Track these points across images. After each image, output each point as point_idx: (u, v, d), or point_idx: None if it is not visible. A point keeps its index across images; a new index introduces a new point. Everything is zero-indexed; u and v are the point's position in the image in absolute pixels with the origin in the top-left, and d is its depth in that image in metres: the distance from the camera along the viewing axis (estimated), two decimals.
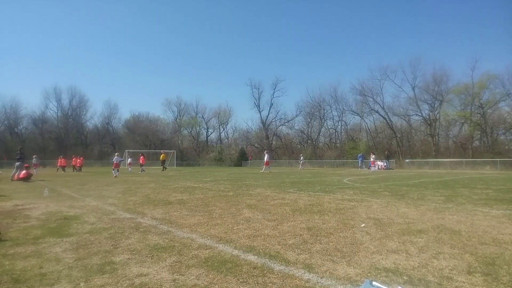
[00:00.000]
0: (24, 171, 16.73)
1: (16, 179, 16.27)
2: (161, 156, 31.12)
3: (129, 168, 28.26)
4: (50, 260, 3.39)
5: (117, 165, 20.67)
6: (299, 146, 59.79)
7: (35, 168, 26.54)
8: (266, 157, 27.52)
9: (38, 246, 3.91)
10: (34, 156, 28.29)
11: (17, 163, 17.09)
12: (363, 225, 4.98)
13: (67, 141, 59.31)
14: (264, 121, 64.85)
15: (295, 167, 43.43)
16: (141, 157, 27.96)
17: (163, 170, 28.69)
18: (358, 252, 3.58)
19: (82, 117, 64.96)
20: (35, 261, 3.37)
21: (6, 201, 8.35)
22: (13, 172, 17.13)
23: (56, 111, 62.76)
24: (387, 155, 35.86)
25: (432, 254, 3.47)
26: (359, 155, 33.20)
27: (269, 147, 60.73)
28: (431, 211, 6.23)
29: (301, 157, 36.79)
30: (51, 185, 13.21)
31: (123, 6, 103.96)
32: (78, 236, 4.39)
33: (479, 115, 40.67)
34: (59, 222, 5.42)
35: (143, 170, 26.36)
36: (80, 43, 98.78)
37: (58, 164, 31.20)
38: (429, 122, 44.09)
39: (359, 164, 32.25)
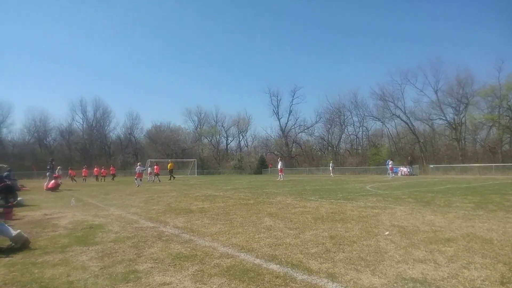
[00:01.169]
0: (52, 181, 17.31)
1: (46, 189, 16.88)
2: (169, 165, 30.47)
3: (149, 178, 28.50)
4: (77, 268, 3.48)
5: (140, 175, 21.05)
6: (320, 153, 59.15)
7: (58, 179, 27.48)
8: (280, 165, 27.46)
9: (65, 255, 4.03)
10: (58, 167, 29.22)
11: (48, 173, 17.83)
12: (387, 233, 4.85)
13: (91, 152, 61.10)
14: (283, 128, 64.66)
15: (316, 174, 43.01)
16: (156, 166, 27.85)
17: (170, 179, 28.25)
18: (383, 261, 3.48)
19: (106, 128, 66.91)
20: (63, 269, 3.46)
21: (35, 210, 8.67)
22: (45, 183, 17.83)
23: (82, 123, 65.03)
24: (410, 161, 34.88)
25: (462, 264, 3.34)
26: (388, 161, 32.04)
27: (289, 154, 60.44)
28: (460, 219, 6.00)
29: (331, 164, 35.65)
30: (77, 195, 13.60)
31: (143, 19, 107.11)
32: (103, 245, 4.49)
33: (508, 117, 39.04)
34: (85, 231, 5.57)
35: (159, 180, 26.12)
36: (103, 56, 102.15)
37: (83, 174, 32.37)
38: (454, 126, 42.67)
39: (388, 171, 30.93)
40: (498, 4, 69.61)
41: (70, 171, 31.73)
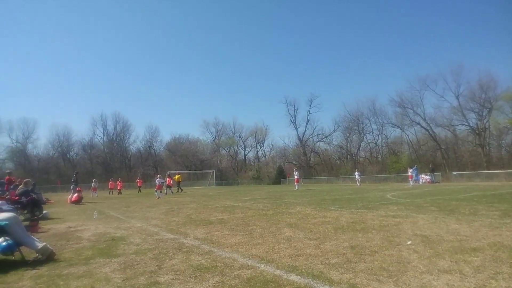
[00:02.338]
0: (75, 195, 17.77)
1: (70, 202, 17.30)
2: (176, 176, 29.19)
3: (167, 190, 28.40)
4: (101, 280, 3.56)
5: (160, 187, 21.33)
6: (338, 162, 58.47)
7: (94, 191, 27.70)
8: (296, 174, 27.36)
9: (89, 266, 4.13)
10: (93, 180, 29.74)
11: (72, 186, 18.30)
12: (409, 242, 4.74)
13: (112, 165, 62.50)
14: (301, 137, 64.43)
15: (335, 183, 42.44)
16: (168, 178, 27.08)
17: (178, 191, 27.51)
18: (406, 272, 3.41)
19: (126, 141, 68.46)
20: (87, 281, 3.55)
21: (60, 223, 8.92)
22: (69, 196, 18.30)
23: (103, 137, 66.80)
24: (432, 168, 34.01)
25: (489, 275, 3.23)
26: (414, 168, 31.20)
27: (307, 163, 59.97)
28: (486, 227, 5.80)
29: (357, 173, 34.43)
30: (99, 208, 13.89)
31: (162, 35, 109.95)
32: (125, 257, 4.57)
33: None
34: (107, 243, 5.68)
35: (171, 192, 25.79)
36: (123, 72, 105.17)
37: (109, 187, 32.23)
38: (477, 131, 41.44)
39: (415, 178, 30.03)
40: None
41: (110, 183, 31.93)
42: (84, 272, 3.88)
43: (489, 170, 34.09)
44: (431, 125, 46.14)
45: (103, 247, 5.30)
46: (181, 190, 28.64)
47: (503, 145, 42.58)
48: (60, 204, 17.43)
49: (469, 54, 73.27)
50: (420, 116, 46.95)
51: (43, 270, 4.08)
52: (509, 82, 49.57)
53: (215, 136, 72.52)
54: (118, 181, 32.63)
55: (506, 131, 41.01)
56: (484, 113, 41.48)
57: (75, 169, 32.61)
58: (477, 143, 41.71)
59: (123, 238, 6.13)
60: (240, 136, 71.42)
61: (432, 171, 33.17)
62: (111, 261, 4.38)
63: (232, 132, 71.65)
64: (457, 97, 44.06)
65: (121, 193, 30.55)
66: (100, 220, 9.22)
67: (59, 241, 5.99)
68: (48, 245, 4.65)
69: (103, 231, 7.08)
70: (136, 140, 69.60)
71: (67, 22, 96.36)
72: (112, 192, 31.36)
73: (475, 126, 42.06)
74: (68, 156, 64.23)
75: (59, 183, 31.14)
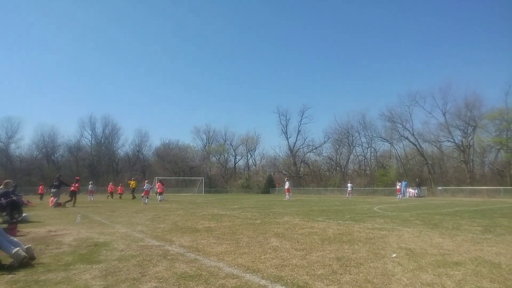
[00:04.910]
0: (51, 199, 17.24)
1: (51, 206, 16.82)
2: (131, 182, 28.08)
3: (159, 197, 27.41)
4: (80, 287, 3.48)
5: (147, 193, 21.02)
6: (328, 173, 58.78)
7: (90, 195, 26.92)
8: (287, 184, 27.32)
9: (68, 273, 4.02)
10: (90, 182, 28.31)
11: (53, 190, 17.75)
12: (394, 255, 4.78)
13: (99, 168, 61.43)
14: (292, 148, 64.63)
15: (324, 194, 42.58)
16: (158, 183, 25.16)
17: (132, 198, 26.41)
18: (389, 284, 3.43)
19: (114, 144, 67.42)
20: (65, 287, 3.46)
21: (40, 227, 8.71)
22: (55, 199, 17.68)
23: (90, 139, 65.58)
24: (418, 183, 34.51)
25: None
26: (404, 182, 31.39)
27: (297, 174, 60.09)
28: (468, 242, 5.90)
29: (349, 185, 33.75)
30: (83, 212, 13.63)
31: (155, 37, 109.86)
32: (107, 263, 4.48)
33: None
34: (89, 248, 5.57)
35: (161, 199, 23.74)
36: (114, 74, 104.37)
37: (109, 191, 30.67)
38: (462, 148, 42.32)
39: (402, 191, 30.03)
40: (507, 28, 70.27)
41: (110, 186, 30.46)
42: (62, 279, 3.77)
43: (472, 186, 34.76)
44: (419, 140, 47.00)
45: (85, 253, 5.19)
46: (135, 197, 26.81)
47: (486, 162, 43.58)
48: (41, 207, 17.03)
49: (458, 73, 75.37)
50: (409, 131, 47.79)
51: (20, 275, 3.96)
52: (493, 102, 51.21)
53: (206, 143, 72.22)
54: (119, 186, 31.37)
55: (489, 149, 42.04)
56: (469, 131, 42.48)
57: (59, 172, 31.48)
58: (461, 159, 42.56)
59: (106, 243, 6.01)
60: (231, 144, 71.24)
61: (419, 185, 33.64)
62: (92, 267, 4.28)
63: (223, 139, 71.40)
64: (444, 114, 45.11)
65: (121, 198, 29.37)
66: (83, 225, 9.03)
67: (38, 246, 5.82)
68: (21, 251, 4.45)
69: (86, 236, 6.94)
70: (125, 144, 68.73)
71: (58, 21, 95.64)
72: (112, 195, 30.00)
73: (460, 143, 42.98)
74: (53, 158, 62.82)
75: (41, 185, 29.87)
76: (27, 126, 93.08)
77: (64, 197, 18.99)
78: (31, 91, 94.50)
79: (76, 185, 19.73)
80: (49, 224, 9.44)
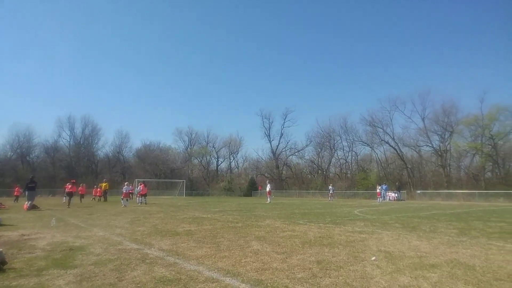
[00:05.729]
0: (29, 203, 16.54)
1: (26, 209, 16.03)
2: (103, 185, 27.40)
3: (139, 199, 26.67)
4: None
5: (127, 195, 20.64)
6: (310, 176, 59.24)
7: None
8: (268, 187, 27.23)
9: (41, 278, 3.87)
10: (81, 184, 27.18)
11: (28, 192, 17.13)
12: (373, 258, 4.84)
13: (78, 170, 59.83)
14: (274, 150, 64.83)
15: (306, 197, 42.87)
16: (141, 185, 24.65)
17: (104, 200, 26.40)
18: (368, 287, 3.46)
19: (94, 146, 66.04)
20: None
21: (13, 230, 8.36)
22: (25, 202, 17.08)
23: (69, 140, 63.99)
24: (398, 186, 35.24)
25: None
26: (384, 185, 31.82)
27: (279, 176, 60.29)
28: (444, 245, 6.04)
29: (330, 188, 33.83)
30: (59, 215, 13.23)
31: (137, 36, 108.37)
32: (82, 268, 4.35)
33: (490, 146, 40.07)
34: (64, 253, 5.39)
35: (141, 202, 23.38)
36: (94, 74, 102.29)
37: (94, 194, 29.32)
38: (439, 153, 43.53)
39: (383, 195, 30.46)
40: (482, 39, 73.04)
41: (94, 189, 28.98)
42: (35, 284, 3.63)
43: (449, 190, 35.74)
44: (399, 144, 47.97)
45: (59, 258, 5.02)
46: (106, 200, 26.51)
47: (462, 167, 44.97)
48: (15, 210, 16.43)
49: (437, 80, 77.73)
50: (389, 135, 48.73)
51: None
52: (469, 108, 52.90)
53: (188, 145, 71.56)
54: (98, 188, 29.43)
55: (465, 154, 43.40)
56: (446, 136, 43.73)
57: (33, 173, 30.27)
58: (439, 164, 43.75)
59: (82, 247, 5.84)
60: (213, 146, 70.77)
61: (399, 189, 34.34)
62: (66, 272, 4.13)
63: (205, 141, 70.92)
64: (423, 119, 46.26)
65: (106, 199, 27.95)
66: (58, 228, 8.74)
67: (10, 250, 5.58)
68: None
69: (60, 240, 6.72)
70: (105, 145, 67.36)
71: (34, 19, 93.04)
72: (100, 198, 28.41)
73: (438, 148, 44.16)
74: (28, 159, 60.83)
75: (16, 188, 28.61)
76: (1, 125, 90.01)
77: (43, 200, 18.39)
78: (5, 89, 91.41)
79: (74, 187, 20.83)
80: (23, 227, 9.09)
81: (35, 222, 10.61)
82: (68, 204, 19.14)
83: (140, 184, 25.21)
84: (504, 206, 21.45)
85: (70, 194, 20.01)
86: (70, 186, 20.50)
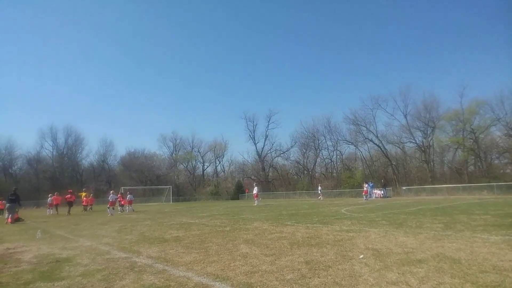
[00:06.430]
0: (10, 216, 16.08)
1: (10, 222, 15.53)
2: (82, 194, 26.95)
3: (127, 207, 26.20)
4: None
5: (113, 203, 20.32)
6: (296, 177, 59.54)
7: (50, 208, 24.44)
8: (255, 190, 27.19)
9: None
10: (49, 195, 25.55)
11: (8, 205, 16.67)
12: (361, 256, 4.91)
13: (62, 180, 58.62)
14: (260, 153, 64.88)
15: (293, 198, 43.05)
16: (120, 195, 24.27)
17: (84, 210, 26.10)
18: (357, 285, 3.51)
19: (78, 155, 65.02)
20: None
21: None
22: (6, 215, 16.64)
23: (52, 150, 62.71)
24: (384, 183, 35.76)
25: (432, 285, 3.42)
26: (370, 183, 32.12)
27: (266, 178, 60.38)
28: (430, 239, 6.17)
29: (320, 188, 34.75)
30: (44, 227, 12.93)
31: (116, 45, 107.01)
32: (70, 280, 4.27)
33: (471, 140, 41.09)
34: (51, 265, 5.28)
35: (122, 210, 23.34)
36: (75, 82, 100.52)
37: (83, 204, 27.98)
38: (423, 148, 44.40)
39: (369, 193, 30.81)
40: (459, 34, 75.04)
41: (84, 199, 27.66)
42: None
43: (433, 185, 36.50)
44: (383, 142, 48.70)
45: (45, 270, 4.92)
46: (85, 210, 26.27)
47: (445, 161, 45.97)
48: None
49: (417, 76, 79.29)
50: (373, 133, 49.43)
51: None
52: (449, 103, 54.17)
53: (173, 150, 70.99)
54: (87, 197, 28.43)
55: (447, 148, 44.39)
56: (428, 132, 44.63)
57: (16, 185, 29.43)
58: (423, 159, 44.61)
59: (69, 259, 5.73)
60: (198, 151, 70.42)
61: (384, 186, 34.85)
62: (53, 285, 4.06)
63: (190, 146, 70.47)
64: (405, 116, 47.10)
65: (92, 209, 27.62)
66: (44, 240, 8.55)
67: None
68: None
69: (47, 252, 6.58)
70: (89, 154, 66.49)
71: (14, 26, 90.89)
72: (91, 208, 27.74)
73: (421, 144, 45.03)
74: (10, 171, 59.35)
75: (1, 205, 27.41)
76: None
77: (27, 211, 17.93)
78: None
79: (73, 196, 23.96)
80: (7, 241, 8.86)
81: (20, 235, 10.35)
82: (68, 212, 21.80)
83: (118, 195, 24.14)
84: (488, 199, 22.04)
85: (70, 203, 22.81)
86: (69, 196, 23.10)
